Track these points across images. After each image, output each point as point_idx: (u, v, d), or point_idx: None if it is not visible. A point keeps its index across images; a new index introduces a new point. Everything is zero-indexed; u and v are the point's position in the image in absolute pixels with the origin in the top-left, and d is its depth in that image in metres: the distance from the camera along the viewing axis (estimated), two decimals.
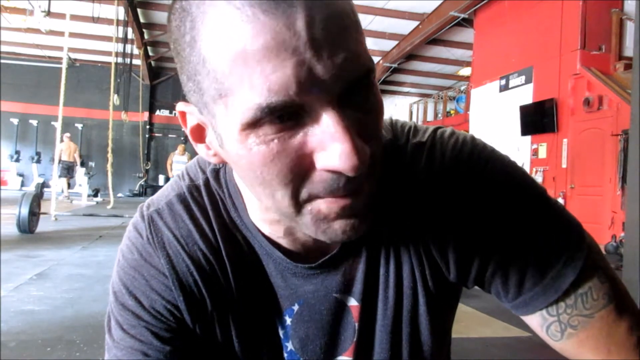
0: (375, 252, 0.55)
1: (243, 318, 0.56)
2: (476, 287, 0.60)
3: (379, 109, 0.43)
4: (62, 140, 11.09)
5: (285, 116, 0.39)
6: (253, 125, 0.39)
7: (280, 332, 0.57)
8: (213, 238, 0.55)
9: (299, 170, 0.40)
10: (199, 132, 0.48)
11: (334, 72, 0.37)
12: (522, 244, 0.51)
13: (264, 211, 0.53)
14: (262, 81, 0.37)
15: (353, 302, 0.56)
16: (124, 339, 0.55)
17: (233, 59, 0.38)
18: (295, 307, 0.57)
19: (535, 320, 0.54)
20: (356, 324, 0.57)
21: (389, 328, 0.56)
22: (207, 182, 0.58)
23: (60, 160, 11.99)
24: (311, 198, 0.42)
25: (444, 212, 0.53)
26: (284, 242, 0.55)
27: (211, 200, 0.57)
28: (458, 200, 0.52)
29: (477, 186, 0.52)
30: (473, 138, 0.55)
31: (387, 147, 0.55)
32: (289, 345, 0.58)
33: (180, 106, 0.48)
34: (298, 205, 0.43)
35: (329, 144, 0.39)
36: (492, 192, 0.52)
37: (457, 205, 0.52)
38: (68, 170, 12.45)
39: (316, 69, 0.37)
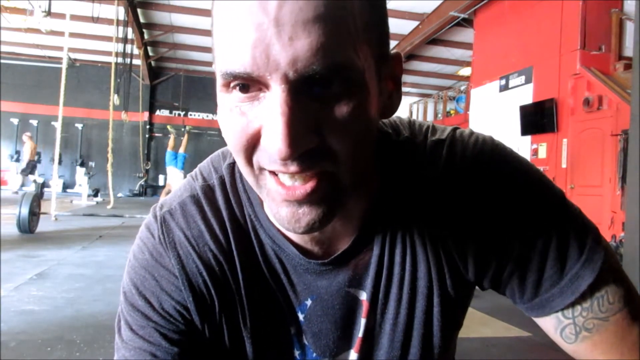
0: (390, 248, 0.55)
1: (254, 318, 0.56)
2: (476, 287, 0.60)
3: (354, 107, 0.41)
4: (25, 141, 11.37)
5: (247, 86, 0.41)
6: (225, 88, 0.42)
7: (293, 329, 0.57)
8: (224, 239, 0.55)
9: (248, 139, 0.42)
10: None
11: (291, 56, 0.37)
12: (541, 245, 0.51)
13: None
14: (227, 51, 0.40)
15: (364, 297, 0.56)
16: (133, 339, 0.55)
17: (219, 28, 0.41)
18: (309, 302, 0.56)
19: (550, 323, 0.53)
20: (363, 320, 0.56)
21: (402, 327, 0.56)
22: (221, 181, 0.58)
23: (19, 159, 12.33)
24: (261, 168, 0.44)
25: (464, 210, 0.52)
26: (294, 235, 0.55)
27: (225, 199, 0.57)
28: (479, 198, 0.52)
29: (498, 186, 0.52)
30: (492, 138, 0.55)
31: (405, 145, 0.55)
32: (302, 341, 0.58)
33: (214, 66, 0.50)
34: (254, 174, 0.44)
35: (269, 125, 0.40)
36: (513, 192, 0.52)
37: (477, 204, 0.52)
38: (33, 169, 12.71)
39: (273, 48, 0.37)
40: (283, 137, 0.38)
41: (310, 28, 0.37)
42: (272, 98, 0.39)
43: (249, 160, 0.43)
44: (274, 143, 0.39)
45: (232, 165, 0.58)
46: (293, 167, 0.41)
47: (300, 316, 0.57)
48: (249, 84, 0.40)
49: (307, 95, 0.39)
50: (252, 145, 0.42)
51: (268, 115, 0.40)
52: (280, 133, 0.38)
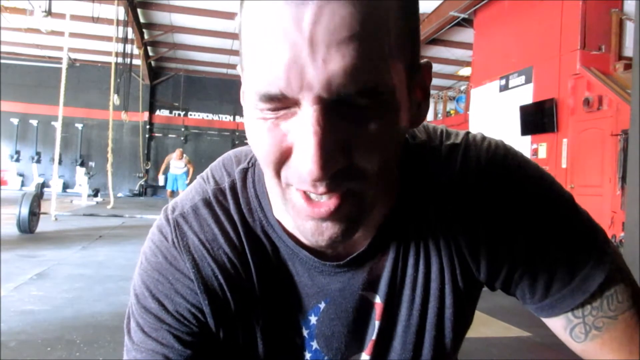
0: (404, 251, 0.55)
1: (267, 320, 0.56)
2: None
3: (384, 126, 0.41)
4: None
5: (280, 103, 0.40)
6: (255, 105, 0.42)
7: (305, 332, 0.57)
8: (238, 242, 0.55)
9: (279, 155, 0.42)
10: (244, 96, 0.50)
11: (325, 78, 0.37)
12: (552, 248, 0.53)
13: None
14: (261, 69, 0.39)
15: (378, 300, 0.56)
16: (145, 341, 0.54)
17: (249, 37, 0.40)
18: (322, 305, 0.56)
19: (559, 323, 0.54)
20: (377, 322, 0.57)
21: (414, 328, 0.56)
22: (232, 185, 0.58)
23: None
24: (288, 184, 0.44)
25: (478, 213, 0.53)
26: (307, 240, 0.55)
27: (236, 203, 0.57)
28: (493, 202, 0.53)
29: (511, 189, 0.53)
30: (504, 143, 0.56)
31: (421, 148, 0.56)
32: (314, 344, 0.57)
33: (239, 68, 0.49)
34: (281, 187, 0.44)
35: (301, 144, 0.40)
36: (525, 196, 0.53)
37: (491, 208, 0.53)
38: None
39: (307, 70, 0.37)
40: (315, 159, 0.38)
41: (345, 50, 0.36)
42: (305, 116, 0.39)
43: (278, 174, 0.44)
44: (305, 164, 0.39)
45: (245, 171, 0.58)
46: (322, 189, 0.41)
47: (313, 319, 0.57)
48: (282, 101, 0.40)
49: (338, 114, 0.39)
50: (282, 160, 0.42)
51: (300, 133, 0.39)
52: (312, 154, 0.38)
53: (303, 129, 0.39)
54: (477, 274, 0.56)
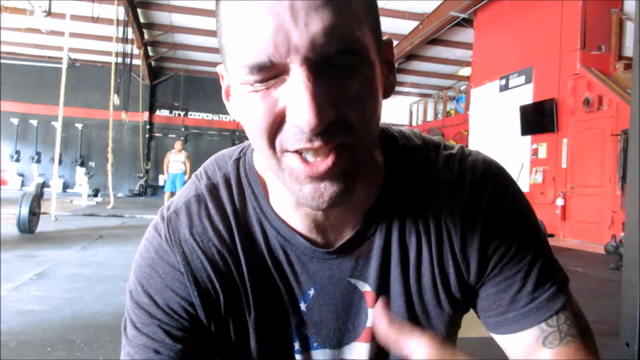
0: (395, 237, 0.58)
1: (258, 310, 0.58)
2: None
3: (365, 81, 0.45)
4: None
5: (269, 73, 0.44)
6: (246, 79, 0.45)
7: (294, 320, 0.59)
8: (229, 235, 0.57)
9: (272, 121, 0.45)
10: (228, 91, 0.53)
11: (309, 39, 0.41)
12: (528, 262, 0.57)
13: (276, 184, 0.56)
14: (248, 42, 0.43)
15: (367, 288, 0.58)
16: (137, 336, 0.56)
17: (232, 21, 0.44)
18: (311, 292, 0.58)
19: (532, 334, 0.58)
20: (370, 310, 0.58)
21: (410, 314, 0.58)
22: (226, 178, 0.60)
23: None
24: (284, 150, 0.46)
25: (474, 218, 0.57)
26: (299, 224, 0.57)
27: (229, 196, 0.59)
28: (487, 211, 0.57)
29: (502, 202, 0.58)
30: (487, 158, 0.61)
31: (417, 150, 0.60)
32: (304, 331, 0.59)
33: (219, 67, 0.54)
34: (276, 157, 0.47)
35: (295, 100, 0.43)
36: (513, 209, 0.58)
37: (485, 216, 0.57)
38: None
39: (292, 34, 0.41)
40: (311, 110, 0.42)
41: (322, 13, 0.41)
42: (295, 78, 0.43)
43: (272, 142, 0.46)
44: (303, 116, 0.42)
45: (237, 161, 0.61)
46: (317, 142, 0.44)
47: (303, 306, 0.59)
48: (276, 68, 0.43)
49: (325, 74, 0.43)
50: (277, 125, 0.45)
51: (293, 93, 0.43)
52: (307, 106, 0.42)
53: (296, 88, 0.43)
54: (466, 276, 0.58)
